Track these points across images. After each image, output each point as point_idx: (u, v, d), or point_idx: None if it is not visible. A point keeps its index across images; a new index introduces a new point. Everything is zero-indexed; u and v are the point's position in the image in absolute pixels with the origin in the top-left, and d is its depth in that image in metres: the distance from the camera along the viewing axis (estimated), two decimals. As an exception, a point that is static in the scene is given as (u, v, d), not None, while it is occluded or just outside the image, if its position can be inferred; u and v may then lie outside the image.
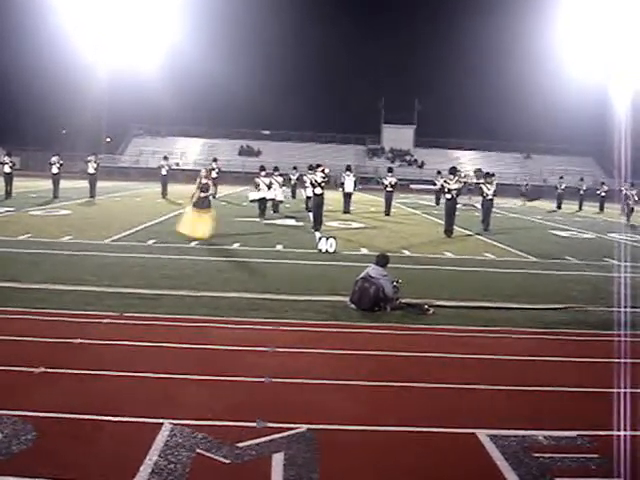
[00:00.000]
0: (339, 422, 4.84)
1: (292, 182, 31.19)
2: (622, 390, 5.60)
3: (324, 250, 13.40)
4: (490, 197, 19.75)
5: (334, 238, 13.63)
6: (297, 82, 67.03)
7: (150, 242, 13.98)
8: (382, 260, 8.96)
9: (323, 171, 18.00)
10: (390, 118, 70.37)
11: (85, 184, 27.61)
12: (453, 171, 18.27)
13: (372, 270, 8.76)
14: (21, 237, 13.82)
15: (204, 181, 15.22)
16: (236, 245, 14.19)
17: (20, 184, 29.22)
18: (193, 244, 13.99)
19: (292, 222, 20.04)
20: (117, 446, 4.31)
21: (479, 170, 35.65)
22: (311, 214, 19.18)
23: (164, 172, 29.34)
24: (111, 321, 7.31)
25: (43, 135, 59.66)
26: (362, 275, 8.74)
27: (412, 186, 54.19)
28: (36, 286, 8.95)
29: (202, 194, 14.98)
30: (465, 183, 20.69)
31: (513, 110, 56.39)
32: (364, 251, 13.98)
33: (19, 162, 39.36)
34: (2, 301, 8.04)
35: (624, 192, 30.28)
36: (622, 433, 4.78)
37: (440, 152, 67.68)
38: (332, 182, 25.71)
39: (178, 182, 35.51)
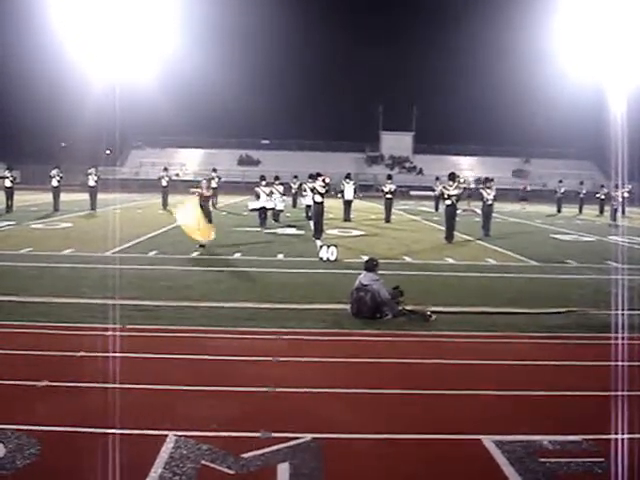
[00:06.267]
0: (344, 431, 4.83)
1: (293, 191, 31.28)
2: (626, 393, 5.59)
3: (325, 258, 13.40)
4: (490, 202, 19.77)
5: (335, 246, 13.62)
6: (296, 91, 67.20)
7: (151, 254, 13.99)
8: (371, 265, 8.95)
9: (323, 180, 18.04)
10: (389, 125, 70.61)
11: (85, 197, 27.67)
12: (452, 177, 18.29)
13: (363, 278, 8.75)
14: (22, 251, 13.83)
15: (204, 192, 15.29)
16: (237, 255, 14.19)
17: (21, 198, 29.29)
18: (194, 255, 14.00)
19: (293, 231, 20.05)
20: (122, 459, 4.28)
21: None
22: (311, 222, 19.20)
23: (164, 183, 29.37)
24: (113, 333, 7.30)
25: (43, 149, 59.83)
26: (355, 286, 8.72)
27: (412, 192, 54.25)
28: (38, 299, 8.95)
29: (201, 202, 15.07)
30: (464, 189, 20.71)
31: (512, 115, 56.57)
32: (365, 258, 13.96)
33: (19, 176, 39.45)
34: (4, 315, 8.04)
35: (600, 196, 32.79)
36: (627, 436, 4.77)
37: (439, 158, 67.83)
38: (332, 190, 25.76)
39: (179, 193, 35.50)
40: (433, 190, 33.41)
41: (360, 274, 8.92)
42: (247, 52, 63.40)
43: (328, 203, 19.32)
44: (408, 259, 14.21)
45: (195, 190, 15.46)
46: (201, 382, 5.81)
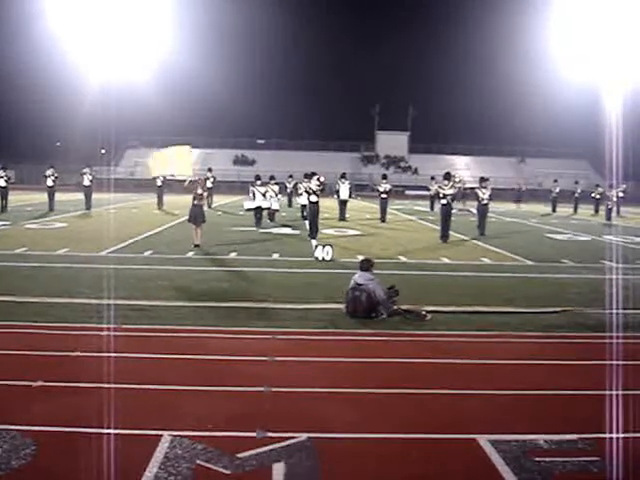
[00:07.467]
0: (339, 430, 4.83)
1: (288, 190, 31.28)
2: (621, 392, 5.60)
3: (321, 258, 13.40)
4: (485, 202, 19.81)
5: (330, 246, 13.62)
6: (291, 90, 67.24)
7: (147, 253, 13.96)
8: (366, 264, 8.95)
9: (318, 179, 18.04)
10: (384, 125, 70.71)
11: (80, 196, 27.62)
12: (447, 176, 18.30)
13: (359, 277, 8.75)
14: (17, 250, 13.78)
15: (199, 191, 15.26)
16: (233, 254, 14.18)
17: (15, 197, 29.21)
18: (189, 254, 13.99)
19: (288, 231, 20.04)
20: (117, 459, 4.28)
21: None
22: (307, 222, 19.19)
23: (159, 183, 29.31)
24: (109, 333, 7.29)
25: (38, 148, 59.74)
26: (351, 285, 8.71)
27: (407, 192, 54.30)
28: (33, 299, 8.91)
29: (195, 202, 15.08)
30: (460, 188, 20.76)
31: (507, 115, 56.79)
32: (361, 258, 13.95)
33: (14, 176, 39.34)
34: (-1, 315, 8.02)
35: (595, 195, 32.53)
36: (623, 435, 4.78)
37: (434, 158, 67.94)
38: (327, 190, 25.78)
39: (174, 193, 35.50)
40: (428, 190, 33.42)
41: (355, 274, 8.92)
42: (243, 52, 63.43)
43: (324, 203, 19.32)
44: (403, 259, 14.22)
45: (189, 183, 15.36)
46: (196, 382, 5.80)
